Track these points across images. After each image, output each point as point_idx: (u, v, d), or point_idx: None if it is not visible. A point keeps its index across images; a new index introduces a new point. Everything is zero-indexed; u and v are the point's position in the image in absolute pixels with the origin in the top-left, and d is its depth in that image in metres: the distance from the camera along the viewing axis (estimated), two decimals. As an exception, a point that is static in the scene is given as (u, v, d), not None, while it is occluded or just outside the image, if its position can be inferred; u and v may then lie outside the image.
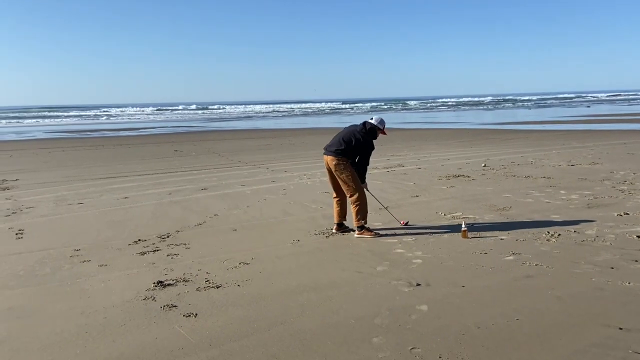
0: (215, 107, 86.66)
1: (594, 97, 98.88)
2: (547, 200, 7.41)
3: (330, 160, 5.80)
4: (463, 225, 5.66)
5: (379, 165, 11.70)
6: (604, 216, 6.31)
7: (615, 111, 39.56)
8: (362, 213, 5.79)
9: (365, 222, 5.85)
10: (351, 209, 5.85)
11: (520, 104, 73.15)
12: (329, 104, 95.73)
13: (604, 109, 45.46)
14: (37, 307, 4.08)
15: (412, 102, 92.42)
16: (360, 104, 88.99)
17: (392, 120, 34.85)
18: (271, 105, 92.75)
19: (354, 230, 5.94)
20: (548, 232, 5.66)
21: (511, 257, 4.88)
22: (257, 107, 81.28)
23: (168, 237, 6.11)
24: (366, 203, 5.83)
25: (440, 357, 3.07)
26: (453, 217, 6.60)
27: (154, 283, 4.48)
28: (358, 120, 7.45)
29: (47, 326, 3.71)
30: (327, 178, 6.20)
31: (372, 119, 6.01)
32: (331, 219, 6.30)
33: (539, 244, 5.29)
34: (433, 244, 5.42)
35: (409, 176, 10.21)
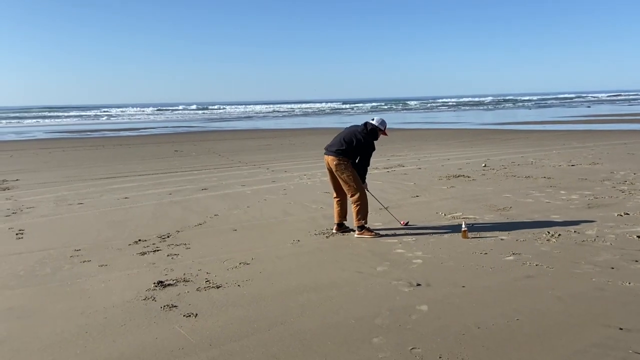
0: (216, 107, 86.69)
1: (594, 97, 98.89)
2: (548, 201, 7.41)
3: (331, 160, 5.80)
4: (463, 226, 5.66)
5: (379, 166, 11.70)
6: (604, 216, 6.31)
7: (615, 111, 39.55)
8: (362, 213, 5.80)
9: (366, 222, 5.85)
10: (352, 209, 5.85)
11: (521, 104, 73.13)
12: (329, 104, 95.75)
13: (605, 109, 45.46)
14: (37, 307, 4.08)
15: (413, 102, 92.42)
16: (361, 104, 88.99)
17: (393, 120, 34.84)
18: (271, 106, 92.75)
19: (354, 231, 5.94)
20: (548, 232, 5.65)
21: (511, 258, 4.88)
22: (258, 107, 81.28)
23: (168, 237, 6.11)
24: (367, 203, 5.84)
25: (440, 357, 3.07)
26: (453, 217, 6.59)
27: (154, 283, 4.48)
28: (358, 120, 7.44)
29: (48, 326, 3.71)
30: (327, 178, 6.20)
31: (373, 119, 6.00)
32: (331, 219, 6.30)
33: (539, 244, 5.29)
34: (433, 244, 5.42)
35: (409, 176, 10.21)
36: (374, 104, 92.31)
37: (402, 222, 6.28)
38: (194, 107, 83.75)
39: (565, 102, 75.56)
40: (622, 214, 6.38)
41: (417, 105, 78.31)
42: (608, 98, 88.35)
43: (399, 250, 5.26)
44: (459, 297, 3.96)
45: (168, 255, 5.35)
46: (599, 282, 4.16)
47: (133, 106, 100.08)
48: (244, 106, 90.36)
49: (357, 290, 4.19)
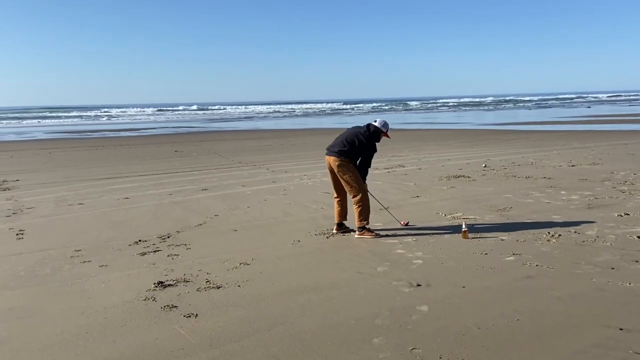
0: (216, 107, 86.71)
1: (594, 97, 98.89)
2: (548, 201, 7.41)
3: (332, 161, 5.80)
4: (463, 226, 5.66)
5: (380, 166, 11.70)
6: (604, 217, 6.31)
7: (616, 112, 39.55)
8: (364, 214, 5.80)
9: (368, 223, 5.86)
10: (353, 209, 5.85)
11: (521, 104, 73.14)
12: (330, 104, 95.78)
13: (605, 109, 45.45)
14: (37, 307, 4.09)
15: (413, 103, 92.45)
16: (362, 105, 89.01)
17: (393, 120, 34.84)
18: (272, 106, 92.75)
19: (354, 231, 5.94)
20: (548, 233, 5.65)
21: (511, 258, 4.88)
22: (258, 108, 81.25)
23: (168, 237, 6.11)
24: (369, 204, 5.84)
25: (440, 358, 3.07)
26: (453, 218, 6.59)
27: (155, 283, 4.48)
28: (359, 121, 7.44)
29: (48, 326, 3.71)
30: (328, 178, 6.20)
31: (375, 121, 6.00)
32: (332, 220, 6.31)
33: (539, 244, 5.28)
34: (433, 245, 5.42)
35: (410, 177, 10.21)
36: (374, 104, 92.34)
37: (402, 223, 6.28)
38: (194, 107, 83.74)
39: (565, 102, 75.55)
40: (623, 214, 6.37)
41: (418, 106, 78.31)
42: (608, 98, 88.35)
43: (399, 251, 5.26)
44: (459, 298, 3.96)
45: (168, 256, 5.36)
46: (599, 283, 4.16)
47: (133, 106, 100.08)
48: (244, 106, 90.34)
49: (357, 291, 4.19)
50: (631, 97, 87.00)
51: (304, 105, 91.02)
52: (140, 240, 5.98)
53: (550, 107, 58.91)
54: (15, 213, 7.81)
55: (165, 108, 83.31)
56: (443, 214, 6.81)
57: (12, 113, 77.21)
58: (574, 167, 10.64)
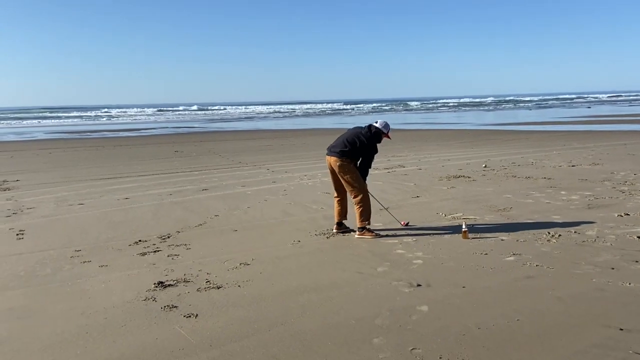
0: (216, 107, 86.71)
1: (594, 97, 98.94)
2: (548, 201, 7.41)
3: (334, 161, 5.81)
4: (463, 226, 5.66)
5: (380, 166, 11.70)
6: (604, 217, 6.31)
7: (616, 112, 39.54)
8: (365, 214, 5.80)
9: (369, 223, 5.86)
10: (355, 210, 5.86)
11: (521, 104, 73.14)
12: (330, 104, 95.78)
13: (605, 109, 45.45)
14: (37, 307, 4.09)
15: (414, 103, 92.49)
16: (362, 105, 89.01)
17: (394, 120, 34.82)
18: (272, 106, 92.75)
19: (354, 231, 5.95)
20: (548, 233, 5.65)
21: (512, 258, 4.88)
22: (258, 108, 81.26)
23: (169, 237, 6.11)
24: (370, 204, 5.84)
25: (440, 358, 3.07)
26: (453, 218, 6.59)
27: (155, 284, 4.48)
28: (359, 121, 7.44)
29: (48, 327, 3.71)
30: (328, 178, 6.20)
31: (376, 122, 6.01)
32: (332, 220, 6.31)
33: (539, 244, 5.28)
34: (433, 245, 5.42)
35: (410, 177, 10.21)
36: (375, 104, 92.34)
37: (402, 223, 6.28)
38: (194, 107, 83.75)
39: (565, 102, 75.57)
40: (623, 214, 6.37)
41: (418, 106, 78.32)
42: (608, 99, 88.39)
43: (400, 251, 5.26)
44: (460, 298, 3.96)
45: (168, 256, 5.36)
46: (599, 283, 4.16)
47: (133, 107, 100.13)
48: (244, 107, 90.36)
49: (357, 291, 4.19)
50: (631, 98, 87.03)
51: (305, 106, 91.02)
52: (140, 241, 5.98)
53: (550, 107, 58.94)
54: (16, 213, 7.81)
55: (165, 108, 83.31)
56: (443, 214, 6.81)
57: (13, 113, 77.25)
58: (574, 168, 10.64)
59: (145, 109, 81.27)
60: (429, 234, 5.85)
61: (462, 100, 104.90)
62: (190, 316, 3.79)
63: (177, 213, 7.50)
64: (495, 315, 3.62)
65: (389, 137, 6.06)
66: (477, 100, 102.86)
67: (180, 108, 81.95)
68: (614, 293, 3.94)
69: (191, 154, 16.79)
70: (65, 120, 52.22)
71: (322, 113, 62.32)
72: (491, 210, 6.98)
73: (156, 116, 59.35)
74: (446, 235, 5.77)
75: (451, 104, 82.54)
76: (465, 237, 5.56)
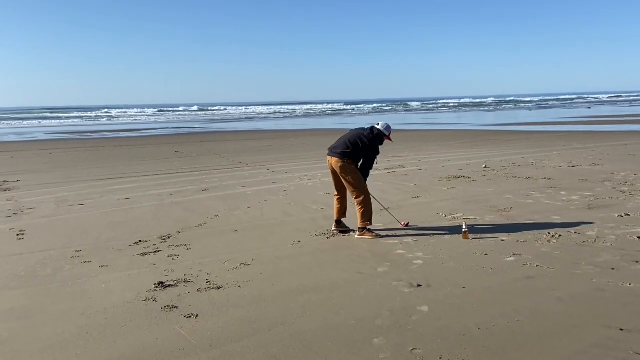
0: (217, 108, 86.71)
1: (595, 98, 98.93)
2: (548, 202, 7.41)
3: (335, 162, 5.81)
4: (464, 226, 5.66)
5: (380, 166, 11.70)
6: (604, 217, 6.31)
7: (616, 112, 39.53)
8: (367, 215, 5.81)
9: (370, 224, 5.86)
10: (356, 211, 5.86)
11: (522, 105, 73.13)
12: (330, 105, 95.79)
13: (605, 110, 45.44)
14: (38, 307, 4.09)
15: (414, 104, 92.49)
16: (362, 105, 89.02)
17: (394, 121, 34.82)
18: (273, 107, 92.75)
19: (353, 231, 5.95)
20: (549, 233, 5.65)
21: (512, 258, 4.88)
22: (259, 108, 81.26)
23: (169, 238, 6.11)
24: (371, 205, 5.85)
25: (440, 358, 3.07)
26: (454, 218, 6.60)
27: (155, 284, 4.48)
28: (359, 121, 7.45)
29: (48, 327, 3.72)
30: (328, 179, 6.21)
31: (378, 124, 6.01)
32: (332, 220, 6.31)
33: (539, 245, 5.28)
34: (434, 245, 5.42)
35: (410, 177, 10.21)
36: (375, 105, 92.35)
37: (402, 223, 6.29)
38: (195, 108, 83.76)
39: (565, 103, 75.55)
40: (623, 214, 6.37)
41: (419, 106, 78.33)
42: (609, 99, 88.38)
43: (400, 251, 5.26)
44: (460, 298, 3.96)
45: (169, 256, 5.36)
46: (599, 283, 4.16)
47: (134, 107, 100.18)
48: (245, 107, 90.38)
49: (357, 291, 4.19)
50: (631, 98, 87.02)
51: (305, 106, 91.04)
52: (140, 241, 5.98)
53: (550, 107, 58.92)
54: (16, 213, 7.81)
55: (165, 109, 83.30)
56: (443, 215, 6.81)
57: (13, 113, 77.29)
58: (574, 168, 10.64)
59: (146, 109, 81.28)
60: (429, 235, 5.85)
61: (462, 100, 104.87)
62: (190, 316, 3.79)
63: (177, 213, 7.50)
64: (495, 315, 3.62)
65: (390, 140, 6.06)
66: (478, 100, 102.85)
67: (181, 108, 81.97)
68: (614, 293, 3.94)
69: (191, 154, 16.79)
70: (66, 121, 52.24)
71: (323, 113, 62.31)
72: (491, 210, 6.98)
73: (156, 116, 59.36)
74: (446, 236, 5.77)
75: (451, 105, 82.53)
76: (466, 238, 5.56)
